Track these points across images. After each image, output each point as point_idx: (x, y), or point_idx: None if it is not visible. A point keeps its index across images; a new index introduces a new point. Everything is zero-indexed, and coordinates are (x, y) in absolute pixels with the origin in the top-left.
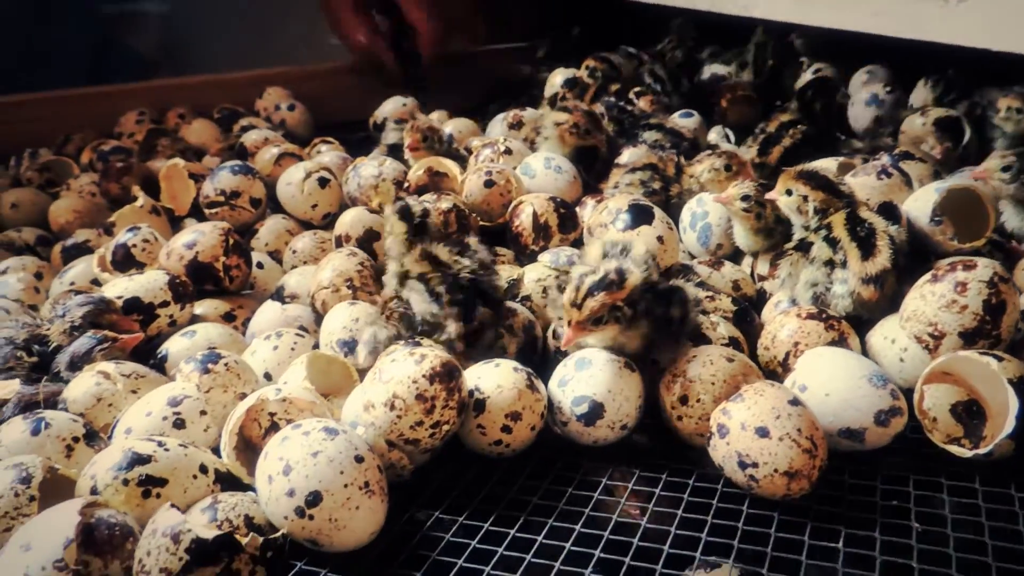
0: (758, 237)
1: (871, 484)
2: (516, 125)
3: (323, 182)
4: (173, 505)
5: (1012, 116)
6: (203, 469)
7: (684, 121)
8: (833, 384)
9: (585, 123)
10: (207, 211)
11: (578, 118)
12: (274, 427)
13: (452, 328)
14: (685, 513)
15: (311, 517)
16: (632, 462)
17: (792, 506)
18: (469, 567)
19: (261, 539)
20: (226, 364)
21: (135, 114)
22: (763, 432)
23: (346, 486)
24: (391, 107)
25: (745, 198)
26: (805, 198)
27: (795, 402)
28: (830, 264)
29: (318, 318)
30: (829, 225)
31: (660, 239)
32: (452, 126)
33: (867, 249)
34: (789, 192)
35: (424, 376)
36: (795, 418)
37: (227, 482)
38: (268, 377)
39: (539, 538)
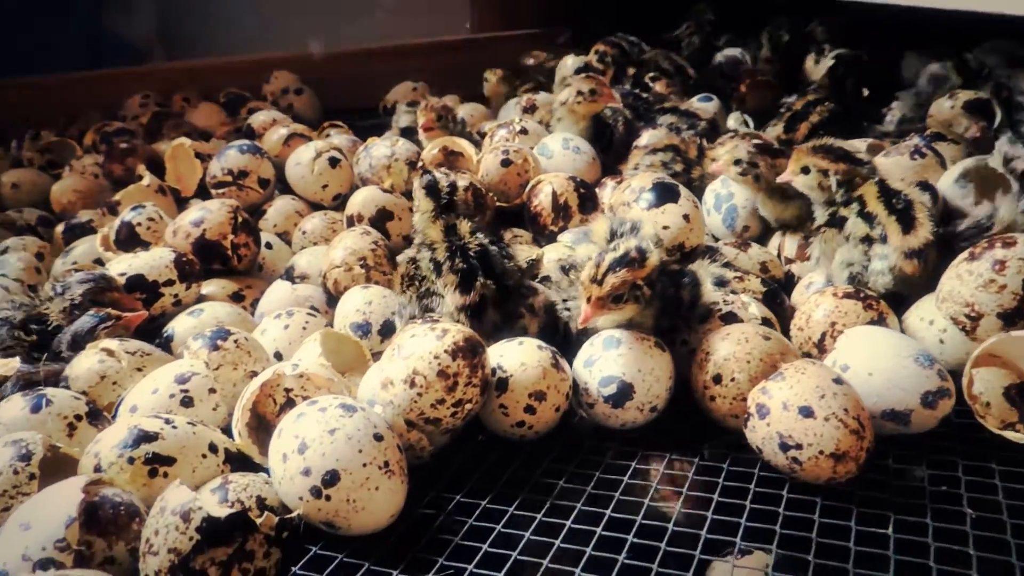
0: (774, 203)
1: (917, 469)
2: (530, 109)
3: (334, 162)
4: (183, 483)
5: None
6: (213, 448)
7: (703, 105)
8: (877, 364)
9: (590, 85)
10: (214, 191)
11: (582, 84)
12: (290, 404)
13: (450, 299)
14: (721, 498)
15: (328, 498)
16: (662, 445)
17: (836, 491)
18: (495, 552)
19: (276, 518)
20: (236, 341)
21: (139, 97)
22: (807, 412)
23: (365, 465)
24: (402, 91)
25: (737, 162)
26: (825, 173)
27: (839, 381)
28: (867, 240)
29: (330, 298)
30: (861, 198)
31: (686, 218)
32: (464, 111)
33: (907, 222)
34: (806, 170)
35: (447, 351)
36: (841, 397)
37: (238, 463)
38: (279, 357)
39: (568, 523)
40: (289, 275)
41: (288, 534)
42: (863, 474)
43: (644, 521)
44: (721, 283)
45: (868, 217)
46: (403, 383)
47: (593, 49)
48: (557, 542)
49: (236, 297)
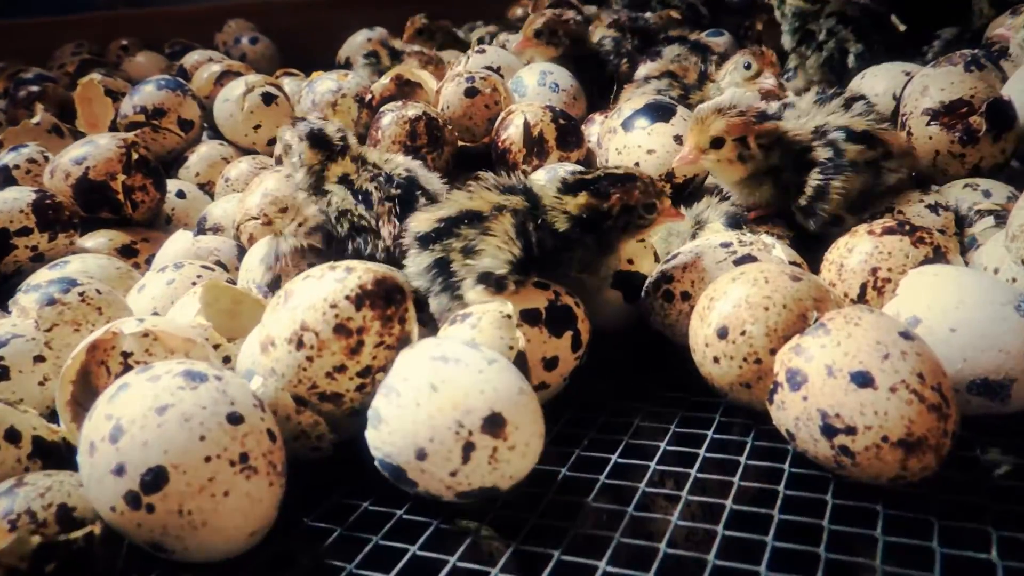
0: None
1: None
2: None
3: (268, 98)
4: None
5: None
6: (12, 436)
7: (714, 39)
8: (960, 315)
9: (549, 23)
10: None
11: (537, 19)
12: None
13: (386, 231)
14: (736, 505)
15: (150, 507)
16: (651, 433)
17: (906, 497)
18: None
19: (36, 540)
20: (82, 294)
21: (72, 46)
22: (864, 379)
23: (208, 460)
24: (360, 40)
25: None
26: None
27: (908, 335)
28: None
29: (242, 254)
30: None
31: (680, 140)
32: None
33: None
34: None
35: (348, 298)
36: (913, 358)
37: (54, 456)
38: None
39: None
40: (201, 228)
41: (64, 564)
42: (944, 471)
43: (629, 554)
44: (735, 223)
45: None
46: (287, 343)
47: None
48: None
49: (127, 251)
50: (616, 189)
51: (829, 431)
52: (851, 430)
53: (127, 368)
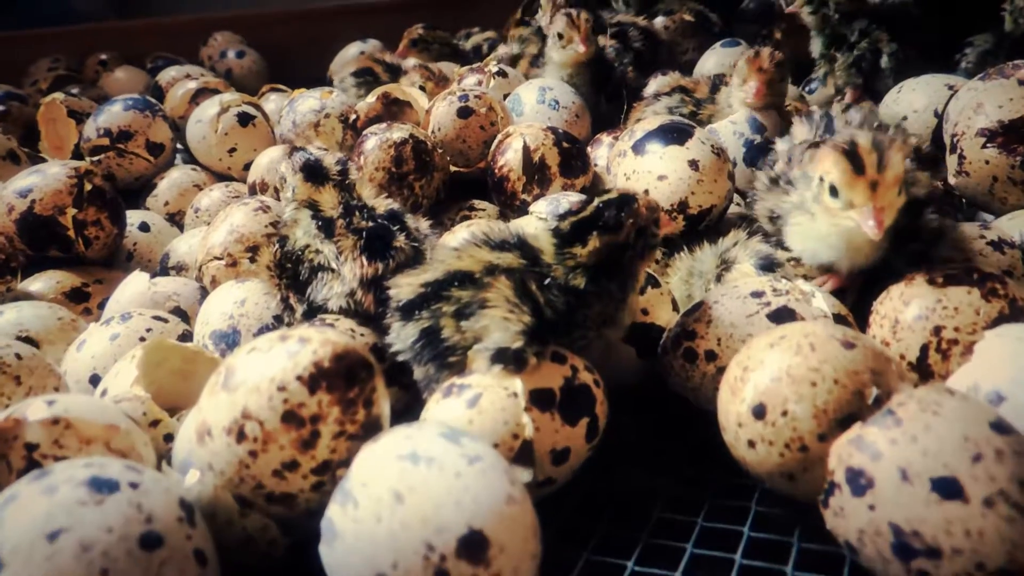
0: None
1: None
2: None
3: (245, 119)
4: None
5: None
6: None
7: (729, 50)
8: None
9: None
10: (89, 159)
11: (558, 24)
12: (33, 469)
13: (348, 270)
14: None
15: None
16: (674, 530)
17: None
18: None
19: None
20: None
21: (48, 61)
22: (950, 488)
23: None
24: (352, 52)
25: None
26: None
27: (1003, 427)
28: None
29: (205, 299)
30: None
31: (694, 165)
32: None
33: None
34: None
35: (300, 378)
36: (1011, 460)
37: None
38: (95, 382)
39: None
40: (163, 267)
41: None
42: None
43: None
44: (768, 266)
45: None
46: (226, 434)
47: None
48: None
49: (77, 296)
50: (626, 213)
51: (905, 552)
52: (934, 553)
53: (31, 464)
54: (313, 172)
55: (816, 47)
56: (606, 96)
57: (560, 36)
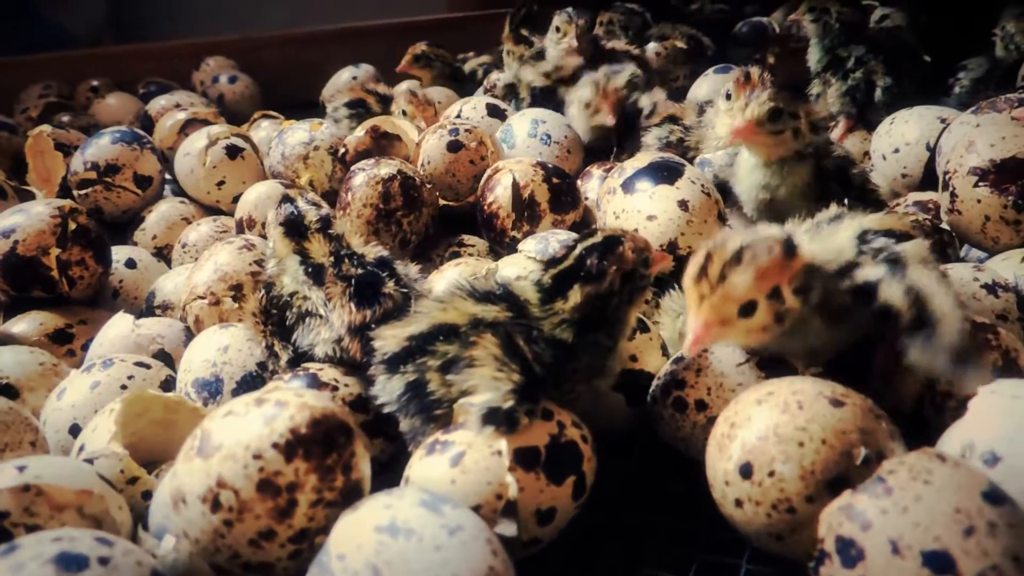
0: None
1: None
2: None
3: (234, 151)
4: None
5: None
6: None
7: (721, 76)
8: None
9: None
10: (76, 192)
11: (586, 91)
12: (3, 538)
13: (337, 317)
14: None
15: None
16: None
17: None
18: None
19: None
20: None
21: (39, 87)
22: (941, 562)
23: None
24: (345, 78)
25: (774, 114)
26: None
27: (996, 497)
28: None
29: (190, 340)
30: None
31: (684, 206)
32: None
33: None
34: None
35: (276, 445)
36: (1004, 533)
37: None
38: (75, 432)
39: None
40: (149, 306)
41: None
42: None
43: None
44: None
45: None
46: (201, 502)
47: (598, 20)
48: None
49: (60, 337)
50: (608, 260)
51: None
52: None
53: (1, 533)
54: (293, 227)
55: (814, 56)
56: (619, 130)
57: (587, 105)
